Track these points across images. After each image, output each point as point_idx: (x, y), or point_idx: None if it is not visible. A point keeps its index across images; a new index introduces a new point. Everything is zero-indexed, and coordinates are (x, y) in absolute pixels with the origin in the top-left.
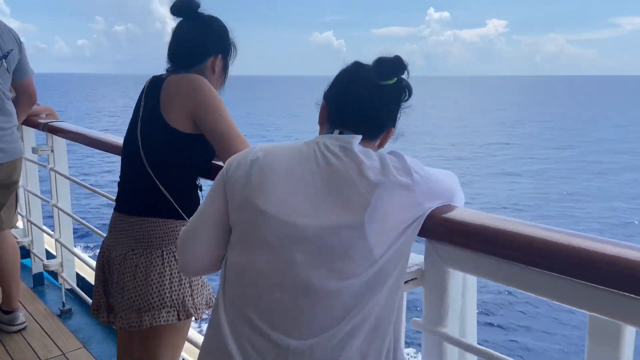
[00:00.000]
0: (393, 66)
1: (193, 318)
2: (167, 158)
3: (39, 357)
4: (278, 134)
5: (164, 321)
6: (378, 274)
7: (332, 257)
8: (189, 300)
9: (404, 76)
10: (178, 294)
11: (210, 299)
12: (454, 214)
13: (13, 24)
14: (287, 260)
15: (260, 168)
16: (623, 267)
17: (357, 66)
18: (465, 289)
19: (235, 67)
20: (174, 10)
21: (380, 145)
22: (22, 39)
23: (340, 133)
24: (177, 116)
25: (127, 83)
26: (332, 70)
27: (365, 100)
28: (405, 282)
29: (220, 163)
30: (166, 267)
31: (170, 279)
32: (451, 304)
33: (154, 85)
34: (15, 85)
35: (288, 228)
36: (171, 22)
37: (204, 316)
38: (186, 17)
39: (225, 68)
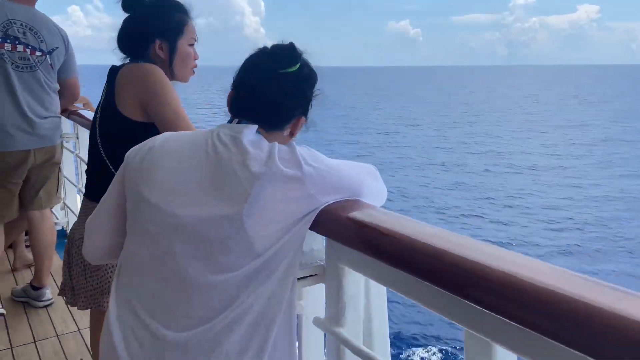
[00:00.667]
0: (287, 54)
1: None
2: (121, 145)
3: (56, 332)
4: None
5: None
6: (261, 267)
7: (211, 249)
8: None
9: (307, 63)
10: None
11: None
12: (346, 210)
13: (105, 19)
14: (167, 250)
15: (152, 156)
16: (496, 286)
17: (260, 53)
18: (369, 291)
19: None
20: (125, 7)
21: (292, 135)
22: (110, 35)
23: (238, 122)
24: (129, 105)
25: (206, 75)
26: (407, 60)
27: (265, 89)
28: (305, 278)
29: None
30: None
31: None
32: (348, 304)
33: (111, 75)
34: (60, 83)
35: (168, 217)
36: (249, 15)
37: None
38: (135, 10)
39: (172, 51)
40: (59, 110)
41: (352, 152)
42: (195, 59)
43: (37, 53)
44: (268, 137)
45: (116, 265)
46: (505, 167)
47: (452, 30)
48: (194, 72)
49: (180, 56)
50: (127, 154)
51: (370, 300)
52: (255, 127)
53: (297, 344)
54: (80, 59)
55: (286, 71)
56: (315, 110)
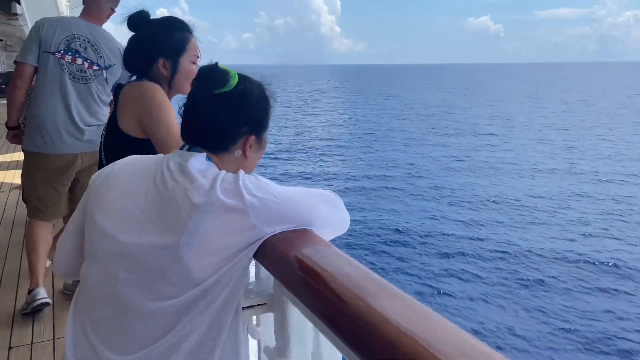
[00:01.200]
0: (215, 75)
1: None
2: (119, 159)
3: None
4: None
5: None
6: (201, 296)
7: (151, 278)
8: None
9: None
10: None
11: None
12: (286, 244)
13: (190, 20)
14: (112, 276)
15: (108, 181)
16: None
17: (199, 74)
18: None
19: (387, 56)
20: (130, 27)
21: (245, 156)
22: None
23: (188, 149)
24: (128, 121)
25: (283, 74)
26: (487, 57)
27: (199, 112)
28: (254, 307)
29: None
30: None
31: None
32: (293, 337)
33: (117, 93)
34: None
35: (114, 244)
36: (326, 14)
37: None
38: (139, 29)
39: (174, 69)
40: (106, 118)
41: (446, 154)
42: None
43: (95, 67)
44: (218, 160)
45: None
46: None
47: (535, 26)
48: None
49: (182, 73)
50: (92, 177)
51: (319, 334)
52: (204, 154)
53: None
54: None
55: (219, 92)
56: (396, 109)
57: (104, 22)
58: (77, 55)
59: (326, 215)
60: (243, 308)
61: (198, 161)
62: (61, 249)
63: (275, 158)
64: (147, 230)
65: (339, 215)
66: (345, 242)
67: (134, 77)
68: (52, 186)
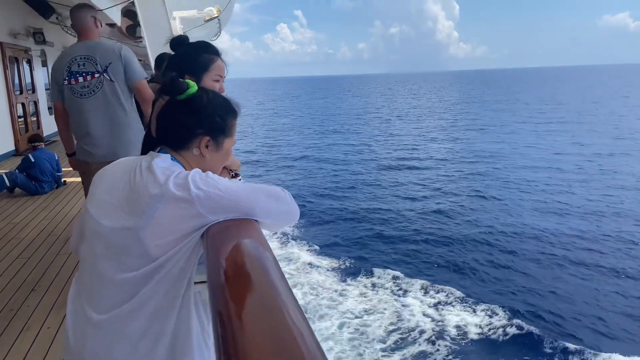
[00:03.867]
0: (174, 84)
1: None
2: None
3: None
4: None
5: None
6: (156, 270)
7: (118, 253)
8: None
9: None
10: None
11: None
12: (223, 230)
13: (308, 34)
14: (92, 251)
15: (100, 176)
16: None
17: (162, 83)
18: None
19: (506, 60)
20: (172, 48)
21: (202, 155)
22: (222, 48)
23: (159, 150)
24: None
25: (391, 82)
26: (624, 57)
27: (162, 116)
28: (205, 282)
29: None
30: None
31: None
32: None
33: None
34: (130, 89)
35: (97, 226)
36: (442, 19)
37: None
38: (176, 50)
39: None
40: (134, 121)
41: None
42: (221, 92)
43: (96, 75)
44: (182, 158)
45: None
46: None
47: None
48: None
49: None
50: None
51: None
52: (168, 155)
53: (204, 336)
54: (287, 71)
55: (180, 98)
56: (522, 111)
57: (96, 33)
58: (77, 76)
59: (266, 207)
60: (195, 282)
61: (162, 160)
62: (74, 231)
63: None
64: (118, 216)
65: (282, 208)
66: None
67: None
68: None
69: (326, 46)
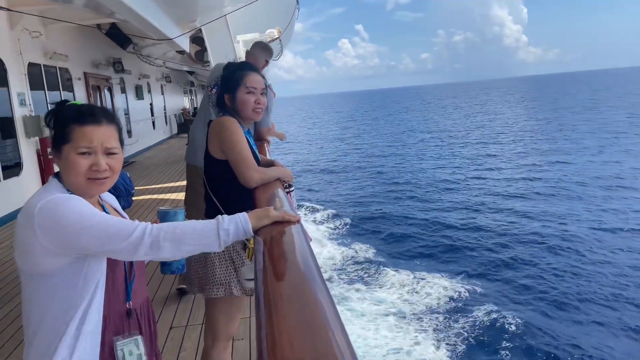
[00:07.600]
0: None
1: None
2: (212, 175)
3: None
4: None
5: (214, 295)
6: (25, 272)
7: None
8: (233, 281)
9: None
10: (226, 276)
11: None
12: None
13: (370, 47)
14: None
15: None
16: None
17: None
18: None
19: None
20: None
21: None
22: (374, 61)
23: None
24: (214, 148)
25: (457, 91)
26: None
27: None
28: None
29: None
30: (215, 257)
31: (219, 265)
32: None
33: (208, 126)
34: None
35: None
36: (509, 24)
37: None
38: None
39: (233, 100)
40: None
41: None
42: (257, 103)
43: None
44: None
45: (213, 266)
46: None
47: None
48: (256, 112)
49: (239, 102)
50: None
51: None
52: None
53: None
54: (349, 86)
55: None
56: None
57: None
58: (215, 87)
59: (87, 245)
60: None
61: (51, 183)
62: None
63: None
64: None
65: (110, 247)
66: None
67: (220, 113)
68: (192, 187)
69: (388, 59)
